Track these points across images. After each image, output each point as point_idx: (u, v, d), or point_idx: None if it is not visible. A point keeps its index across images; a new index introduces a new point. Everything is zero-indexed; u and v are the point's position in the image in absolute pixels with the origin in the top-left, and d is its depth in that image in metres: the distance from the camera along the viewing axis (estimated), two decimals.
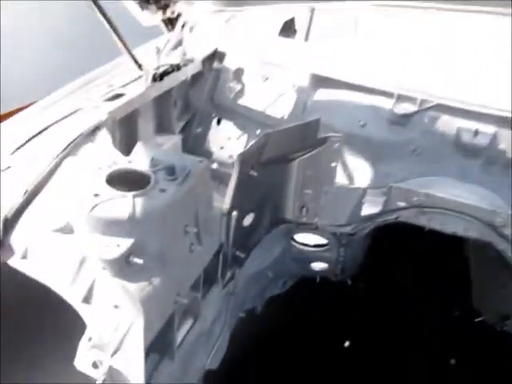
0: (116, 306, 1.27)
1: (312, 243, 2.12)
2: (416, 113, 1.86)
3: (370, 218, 1.92)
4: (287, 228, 2.02)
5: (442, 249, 2.38)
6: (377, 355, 2.66)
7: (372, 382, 2.54)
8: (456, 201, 1.82)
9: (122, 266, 1.23)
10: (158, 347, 1.48)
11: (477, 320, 2.33)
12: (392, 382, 2.52)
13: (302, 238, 2.11)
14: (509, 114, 1.79)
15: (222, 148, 2.40)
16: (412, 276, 2.76)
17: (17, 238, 1.32)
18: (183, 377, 1.61)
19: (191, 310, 1.58)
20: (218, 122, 2.41)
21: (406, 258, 2.69)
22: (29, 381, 1.59)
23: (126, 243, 1.24)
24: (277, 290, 2.39)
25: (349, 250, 2.07)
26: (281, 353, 2.58)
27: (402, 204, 1.89)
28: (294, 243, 2.10)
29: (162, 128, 2.14)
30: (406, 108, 1.86)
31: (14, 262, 1.31)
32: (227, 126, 2.37)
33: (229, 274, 1.76)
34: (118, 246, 1.23)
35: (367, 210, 1.90)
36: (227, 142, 2.42)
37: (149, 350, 1.40)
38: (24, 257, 1.31)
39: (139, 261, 1.24)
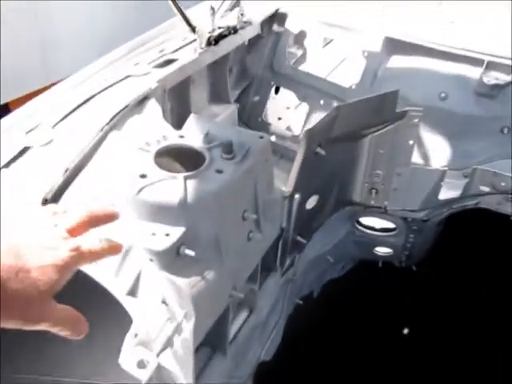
0: (164, 302, 1.12)
1: (378, 227, 1.93)
2: (509, 83, 1.60)
3: (448, 203, 1.70)
4: (353, 210, 1.82)
5: None
6: (447, 341, 2.49)
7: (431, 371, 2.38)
8: None
9: (172, 258, 1.08)
10: (210, 342, 1.34)
11: None
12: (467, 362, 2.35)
13: (367, 220, 1.92)
14: None
15: (279, 119, 2.23)
16: (487, 264, 2.52)
17: None
18: (235, 371, 1.47)
19: (247, 303, 1.43)
20: (276, 91, 2.22)
21: (482, 246, 2.45)
22: None
23: (176, 232, 1.08)
24: (335, 273, 2.21)
25: (419, 237, 1.87)
26: (337, 339, 2.44)
27: (486, 189, 1.66)
28: (358, 226, 1.90)
29: (217, 97, 1.96)
30: (498, 77, 1.61)
31: None
32: (286, 94, 2.18)
33: (288, 262, 1.60)
34: (168, 235, 1.08)
35: (445, 194, 1.69)
36: (285, 112, 2.24)
37: (200, 345, 1.27)
38: None
39: (191, 253, 1.08)
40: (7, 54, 3.75)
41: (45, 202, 1.19)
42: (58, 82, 1.67)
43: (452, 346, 2.48)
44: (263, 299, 1.51)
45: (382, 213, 1.78)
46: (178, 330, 1.14)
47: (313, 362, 2.35)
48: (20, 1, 3.75)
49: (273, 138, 2.00)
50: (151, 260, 1.08)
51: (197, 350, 1.26)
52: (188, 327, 1.12)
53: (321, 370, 2.34)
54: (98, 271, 1.15)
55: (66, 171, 1.22)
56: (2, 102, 3.87)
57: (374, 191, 1.69)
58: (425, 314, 2.61)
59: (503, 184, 1.61)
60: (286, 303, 1.75)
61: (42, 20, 4.07)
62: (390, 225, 1.89)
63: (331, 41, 2.39)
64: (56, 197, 1.20)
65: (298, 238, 1.57)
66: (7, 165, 1.27)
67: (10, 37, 3.76)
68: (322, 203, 1.59)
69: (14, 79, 3.87)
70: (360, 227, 1.91)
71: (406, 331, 2.65)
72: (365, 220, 1.91)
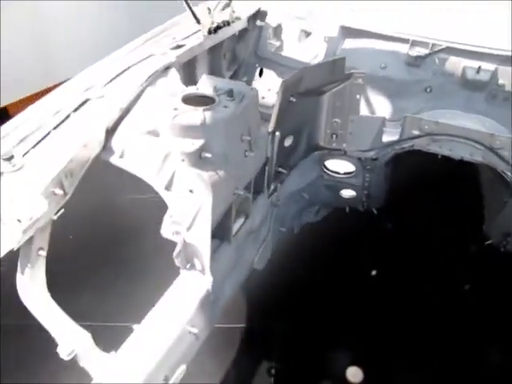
0: (191, 191, 1.70)
1: (341, 172, 2.52)
2: (428, 55, 2.22)
3: (390, 144, 2.30)
4: (320, 155, 2.41)
5: (458, 176, 2.76)
6: (401, 282, 3.03)
7: (396, 307, 2.91)
8: (460, 127, 2.18)
9: (197, 159, 1.66)
10: (219, 234, 1.91)
11: (487, 243, 2.67)
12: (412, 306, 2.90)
13: (333, 166, 2.50)
14: (508, 53, 2.13)
15: (263, 98, 2.80)
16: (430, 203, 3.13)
17: (116, 142, 1.76)
18: (237, 262, 2.04)
19: (243, 209, 2.00)
20: (260, 74, 2.81)
21: (425, 184, 3.06)
22: None
23: (199, 142, 1.67)
24: (311, 216, 2.79)
25: (373, 176, 2.45)
26: (314, 278, 3.00)
27: (415, 132, 2.25)
28: (325, 170, 2.49)
29: (214, 75, 2.55)
30: (420, 51, 2.23)
31: (114, 160, 1.76)
32: (268, 78, 2.77)
33: (272, 187, 2.18)
34: (193, 144, 1.66)
35: (387, 137, 2.28)
36: (268, 92, 2.82)
37: (212, 234, 1.83)
38: (121, 156, 1.75)
39: (208, 155, 1.67)
40: (5, 55, 4.05)
41: (107, 130, 1.77)
42: (58, 84, 2.06)
43: (416, 282, 3.00)
44: (255, 210, 2.09)
45: (342, 155, 2.37)
46: (200, 211, 1.71)
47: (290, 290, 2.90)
48: (20, 1, 4.03)
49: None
50: (183, 160, 1.66)
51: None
52: (207, 207, 1.70)
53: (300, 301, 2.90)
54: (143, 172, 1.73)
55: (121, 109, 1.79)
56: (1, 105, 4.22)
57: (334, 136, 2.28)
58: (389, 255, 3.17)
59: (427, 127, 2.21)
60: (273, 225, 2.33)
61: (41, 22, 4.37)
62: (350, 168, 2.48)
63: (310, 34, 2.99)
64: (115, 126, 1.77)
65: (279, 169, 2.15)
66: (75, 110, 1.84)
67: (7, 38, 4.06)
68: (296, 143, 2.18)
69: (13, 82, 4.19)
70: (327, 171, 2.50)
71: (373, 273, 3.18)
72: (331, 165, 2.50)
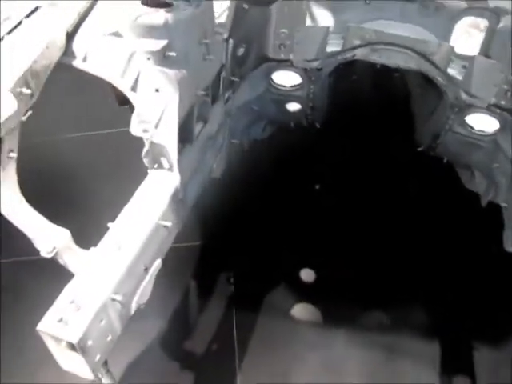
0: (157, 90, 1.78)
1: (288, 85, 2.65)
2: None
3: (334, 54, 2.45)
4: (268, 67, 2.53)
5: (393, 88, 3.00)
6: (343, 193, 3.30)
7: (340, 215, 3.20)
8: (397, 35, 2.35)
9: (161, 58, 1.73)
10: (182, 136, 2.00)
11: (419, 149, 2.93)
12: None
13: (279, 80, 2.63)
14: None
15: None
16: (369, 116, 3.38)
17: (77, 46, 1.79)
18: (199, 166, 2.16)
19: (202, 113, 2.10)
20: None
21: (363, 97, 3.28)
22: None
23: (163, 42, 1.73)
24: (258, 132, 2.93)
25: (317, 87, 2.61)
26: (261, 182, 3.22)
27: (357, 42, 2.41)
28: (272, 83, 2.61)
29: None
30: None
31: (77, 64, 1.79)
32: None
33: (227, 95, 2.28)
34: (157, 43, 1.72)
35: (331, 48, 2.43)
36: None
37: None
38: (84, 60, 1.79)
39: (173, 53, 1.74)
40: None
41: (67, 34, 1.79)
42: None
43: (357, 192, 3.28)
44: (213, 116, 2.19)
45: (289, 66, 2.50)
46: (166, 108, 1.80)
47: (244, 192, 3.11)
48: None
49: None
50: (148, 59, 1.73)
51: None
52: (174, 104, 1.79)
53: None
54: (108, 74, 1.78)
55: (79, 14, 1.81)
56: None
57: (282, 46, 2.40)
58: (332, 170, 3.40)
59: (367, 36, 2.37)
60: (227, 135, 2.45)
61: None
62: (296, 81, 2.62)
63: None
64: (75, 30, 1.80)
65: (232, 78, 2.26)
66: (27, 16, 1.83)
67: None
68: (246, 53, 2.29)
69: None
70: (274, 84, 2.62)
71: (317, 187, 3.41)
72: (278, 79, 2.62)
